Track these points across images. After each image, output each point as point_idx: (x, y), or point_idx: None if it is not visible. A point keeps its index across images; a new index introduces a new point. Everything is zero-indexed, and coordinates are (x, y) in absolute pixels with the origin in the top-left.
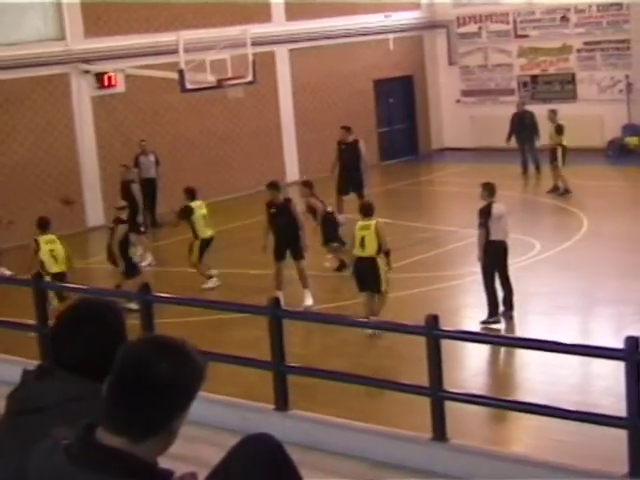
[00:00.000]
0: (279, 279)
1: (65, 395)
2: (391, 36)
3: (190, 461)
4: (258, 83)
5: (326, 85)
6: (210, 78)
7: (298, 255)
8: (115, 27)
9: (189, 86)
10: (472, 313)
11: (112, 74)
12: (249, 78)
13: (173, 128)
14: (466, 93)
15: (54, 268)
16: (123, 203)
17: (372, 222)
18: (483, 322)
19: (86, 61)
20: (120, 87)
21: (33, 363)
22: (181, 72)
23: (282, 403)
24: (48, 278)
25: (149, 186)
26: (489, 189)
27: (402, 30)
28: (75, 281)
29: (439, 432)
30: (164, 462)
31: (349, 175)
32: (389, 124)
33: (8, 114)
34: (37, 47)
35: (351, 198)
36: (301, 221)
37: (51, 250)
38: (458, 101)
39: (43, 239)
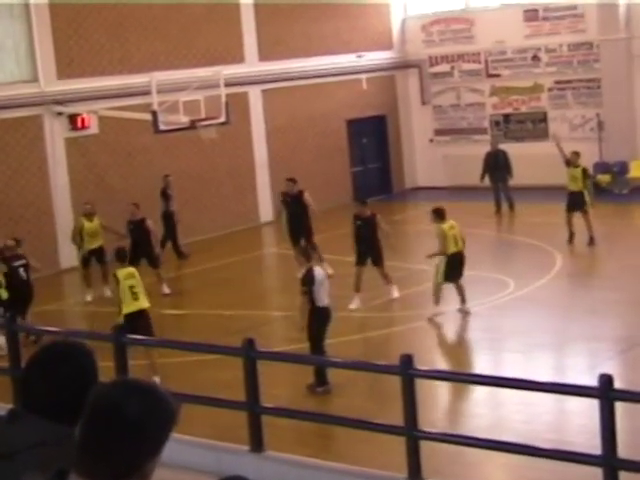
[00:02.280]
0: (359, 283)
1: (35, 440)
2: (364, 76)
3: None
4: (231, 124)
5: (300, 125)
6: (183, 119)
7: (379, 262)
8: (88, 68)
9: (162, 127)
10: (447, 352)
11: (85, 115)
12: (222, 119)
13: (147, 169)
14: (439, 132)
15: (130, 306)
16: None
17: (453, 222)
18: (309, 387)
19: (59, 103)
20: (93, 128)
21: (5, 407)
22: (154, 113)
23: (257, 444)
24: (123, 319)
25: (172, 219)
26: (305, 255)
27: (374, 70)
28: (48, 323)
29: (414, 471)
30: None
31: (298, 225)
32: (362, 163)
33: None
34: (10, 89)
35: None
36: (385, 232)
37: (131, 287)
38: (431, 140)
39: (122, 274)
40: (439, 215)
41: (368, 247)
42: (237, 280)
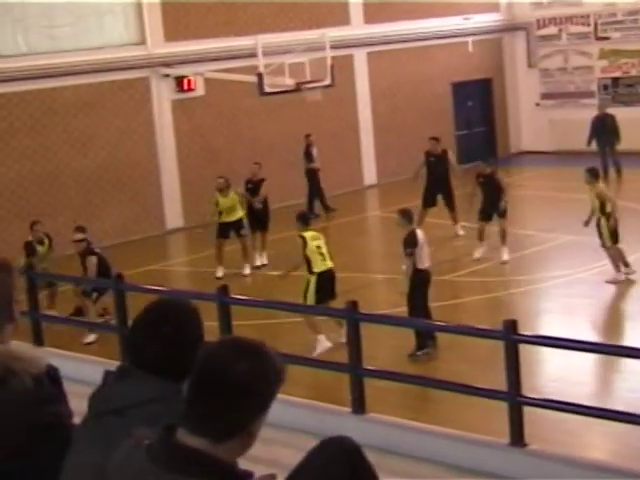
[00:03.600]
0: (482, 236)
1: (145, 396)
2: (470, 39)
3: (267, 463)
4: (336, 86)
5: (404, 88)
6: (288, 81)
7: (503, 214)
8: (195, 31)
9: (268, 89)
10: (550, 318)
11: (192, 78)
12: (327, 81)
13: (251, 131)
14: (545, 96)
15: (321, 266)
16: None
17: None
18: (411, 355)
19: (166, 65)
20: (199, 91)
21: (114, 363)
22: (260, 76)
23: (359, 406)
24: (314, 278)
25: (316, 176)
26: (408, 215)
27: (481, 32)
28: (153, 282)
29: (517, 437)
30: (242, 464)
31: (438, 187)
32: (467, 127)
33: (89, 118)
34: (118, 51)
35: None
36: (504, 188)
37: (318, 247)
38: (537, 104)
39: (309, 235)
40: (594, 175)
41: (491, 204)
42: (339, 243)
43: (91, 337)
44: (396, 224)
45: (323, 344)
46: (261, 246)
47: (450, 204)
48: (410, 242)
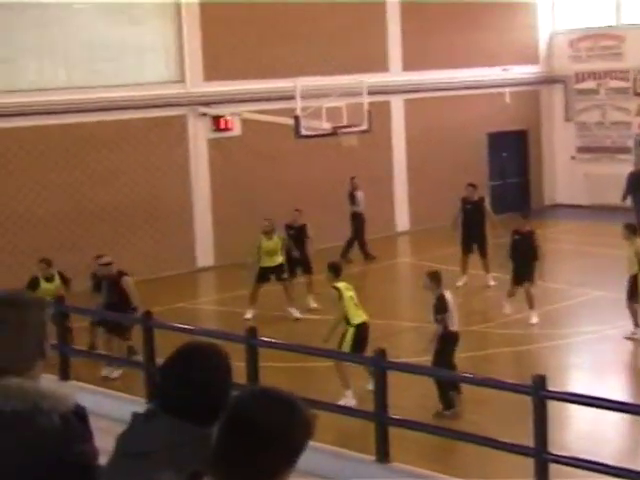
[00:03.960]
0: (511, 295)
1: (171, 440)
2: (507, 89)
3: None
4: (372, 132)
5: (440, 136)
6: (325, 125)
7: (532, 279)
8: (234, 71)
9: (304, 132)
10: (579, 374)
11: (229, 118)
12: (364, 127)
13: (286, 173)
14: (581, 150)
15: (358, 318)
16: (107, 259)
17: None
18: (436, 414)
19: (204, 104)
20: (236, 130)
21: (138, 400)
22: (297, 118)
23: (383, 455)
24: (352, 329)
25: (360, 220)
26: (437, 279)
27: (519, 84)
28: (183, 320)
29: None
30: None
31: (473, 235)
32: (501, 177)
33: (124, 153)
34: (157, 88)
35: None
36: (540, 251)
37: (351, 297)
38: (573, 157)
39: (342, 286)
40: (632, 231)
41: (524, 266)
42: (369, 289)
43: (116, 372)
44: (424, 287)
45: (349, 400)
46: (308, 289)
47: (483, 252)
48: (440, 308)
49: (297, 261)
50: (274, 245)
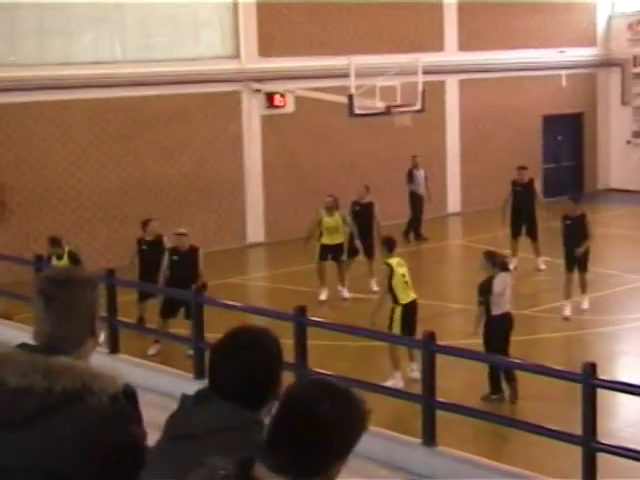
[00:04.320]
0: (569, 290)
1: (222, 423)
2: (563, 72)
3: None
4: (426, 112)
5: (494, 118)
6: (379, 104)
7: (584, 263)
8: (289, 48)
9: (357, 111)
10: (627, 361)
11: (282, 94)
12: (417, 106)
13: (338, 151)
14: (637, 134)
15: (406, 297)
16: (182, 230)
17: None
18: (483, 398)
19: (258, 80)
20: (289, 107)
21: (187, 376)
22: (350, 97)
23: (429, 438)
24: (399, 309)
25: (419, 201)
26: (493, 260)
27: (575, 67)
28: (232, 296)
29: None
30: None
31: (523, 217)
32: (555, 161)
33: (178, 128)
34: (212, 64)
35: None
36: (590, 234)
37: (403, 275)
38: (628, 142)
39: (395, 262)
40: None
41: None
42: (418, 270)
43: (153, 349)
44: (480, 267)
45: (397, 382)
46: (370, 272)
47: (533, 235)
48: (484, 289)
49: (357, 249)
50: (334, 222)
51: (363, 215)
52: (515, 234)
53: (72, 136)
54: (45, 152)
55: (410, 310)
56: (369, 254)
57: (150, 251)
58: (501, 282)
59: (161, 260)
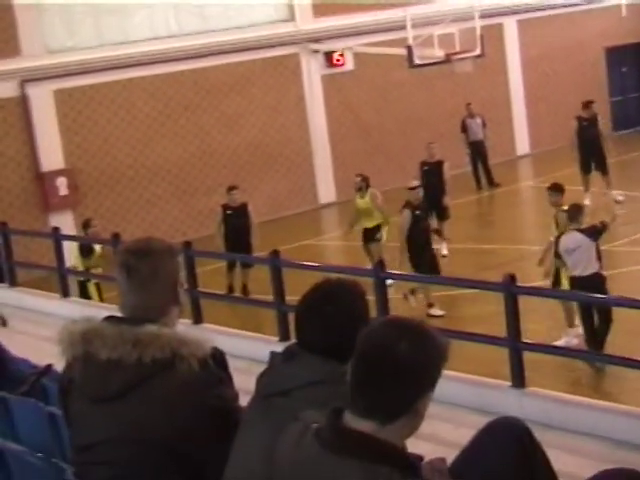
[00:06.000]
0: None
1: (310, 378)
2: (624, 2)
3: (426, 438)
4: (486, 56)
5: (555, 56)
6: (438, 53)
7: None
8: (342, 6)
9: (417, 62)
10: None
11: (341, 53)
12: (477, 51)
13: (401, 104)
14: None
15: None
16: (415, 183)
17: None
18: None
19: (315, 40)
20: (349, 65)
21: (272, 339)
22: (409, 48)
23: (518, 380)
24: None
25: (479, 148)
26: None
27: None
28: (308, 257)
29: None
30: None
31: (590, 152)
32: (622, 93)
33: (240, 96)
34: (267, 29)
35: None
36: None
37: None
38: None
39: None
40: None
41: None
42: (493, 214)
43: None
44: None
45: (570, 340)
46: (439, 236)
47: (602, 168)
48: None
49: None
50: (365, 204)
51: (433, 174)
52: (585, 170)
53: (136, 114)
54: (111, 132)
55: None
56: (441, 216)
57: (235, 216)
58: (566, 242)
59: (247, 226)
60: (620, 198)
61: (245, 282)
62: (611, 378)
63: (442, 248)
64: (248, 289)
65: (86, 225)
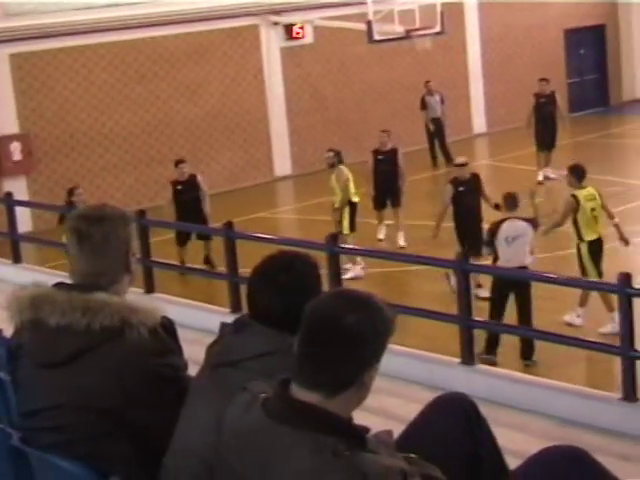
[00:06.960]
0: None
1: (260, 349)
2: None
3: (374, 412)
4: (446, 34)
5: (515, 35)
6: (398, 29)
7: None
8: None
9: (377, 37)
10: None
11: (301, 25)
12: (437, 29)
13: (360, 79)
14: None
15: (592, 234)
16: (463, 160)
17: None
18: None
19: (275, 12)
20: (308, 38)
21: (223, 311)
22: (369, 23)
23: (468, 357)
24: (584, 246)
25: (437, 125)
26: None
27: None
28: (263, 230)
29: (629, 392)
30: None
31: (547, 128)
32: (579, 75)
33: (198, 66)
34: None
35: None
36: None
37: (592, 209)
38: None
39: (583, 195)
40: None
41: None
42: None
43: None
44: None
45: (574, 319)
46: (397, 225)
47: (550, 144)
48: (488, 239)
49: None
50: (332, 183)
51: (387, 163)
52: (540, 148)
53: (93, 81)
54: (67, 99)
55: (596, 248)
56: (395, 204)
57: (186, 190)
58: (508, 228)
59: (199, 198)
60: (552, 175)
61: (207, 254)
62: (562, 356)
63: (399, 239)
64: (213, 261)
65: (70, 193)
